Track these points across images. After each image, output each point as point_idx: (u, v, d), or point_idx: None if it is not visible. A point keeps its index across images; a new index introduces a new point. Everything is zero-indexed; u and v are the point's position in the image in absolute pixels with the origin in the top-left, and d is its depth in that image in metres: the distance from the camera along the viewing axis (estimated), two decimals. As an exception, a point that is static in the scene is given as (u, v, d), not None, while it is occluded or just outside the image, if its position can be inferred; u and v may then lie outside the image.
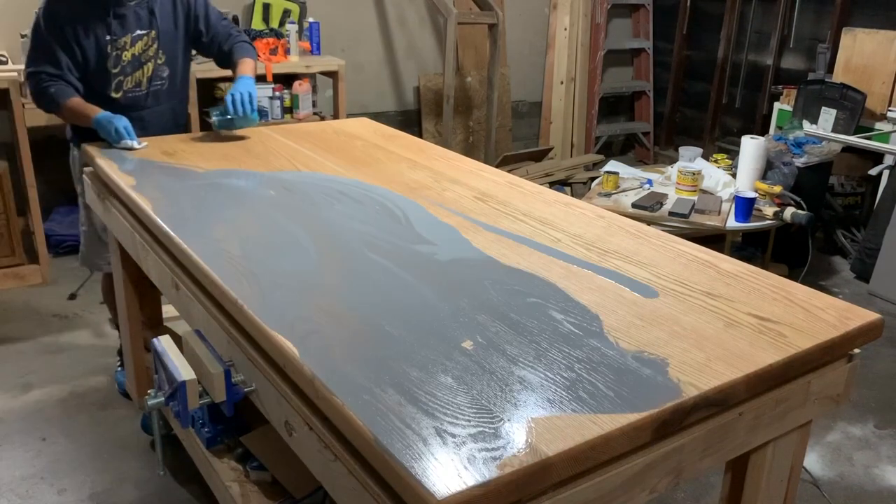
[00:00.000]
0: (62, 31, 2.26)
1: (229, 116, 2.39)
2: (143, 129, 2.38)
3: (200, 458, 1.93)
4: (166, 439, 2.11)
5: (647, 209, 3.25)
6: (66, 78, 2.30)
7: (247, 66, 2.50)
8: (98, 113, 2.28)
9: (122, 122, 2.26)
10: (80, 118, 2.31)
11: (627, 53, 5.88)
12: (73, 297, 3.34)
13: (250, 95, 2.39)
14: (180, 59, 2.49)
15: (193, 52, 2.59)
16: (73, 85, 2.32)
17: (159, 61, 2.42)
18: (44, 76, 2.29)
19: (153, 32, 2.38)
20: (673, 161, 4.33)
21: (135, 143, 2.27)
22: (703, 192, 3.51)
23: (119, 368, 2.70)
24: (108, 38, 2.30)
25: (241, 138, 2.43)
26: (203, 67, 3.67)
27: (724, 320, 1.28)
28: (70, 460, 2.31)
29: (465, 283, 1.40)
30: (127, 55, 2.34)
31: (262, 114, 3.84)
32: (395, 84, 5.00)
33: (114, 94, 2.37)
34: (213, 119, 2.44)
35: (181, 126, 2.62)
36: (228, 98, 2.38)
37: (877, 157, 3.96)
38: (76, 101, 2.30)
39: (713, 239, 3.22)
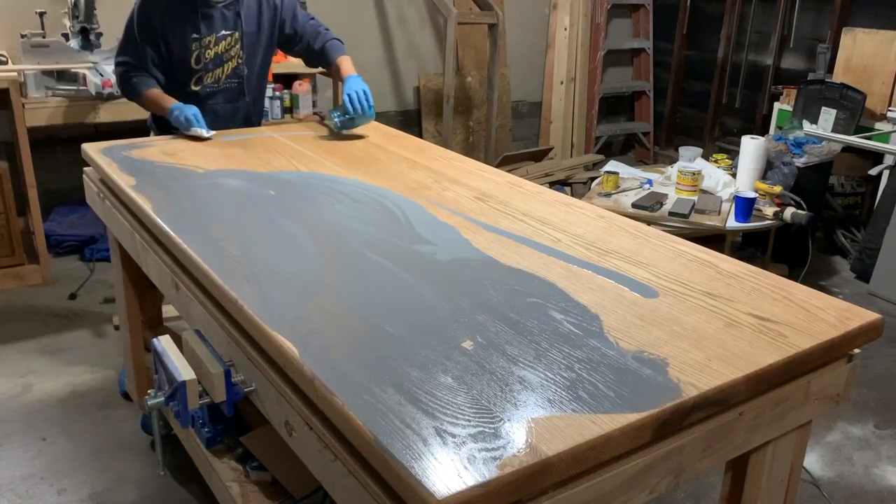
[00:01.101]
0: (152, 28, 2.42)
1: (349, 116, 2.46)
2: (216, 121, 2.52)
3: (200, 458, 1.93)
4: (166, 439, 2.11)
5: (647, 209, 3.25)
6: (149, 70, 2.47)
7: (349, 65, 2.61)
8: (172, 104, 2.42)
9: (191, 111, 2.39)
10: (158, 108, 2.49)
11: (627, 53, 5.88)
12: (73, 297, 3.34)
13: (365, 93, 2.49)
14: (259, 59, 2.61)
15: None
16: (154, 77, 2.48)
17: (239, 61, 2.55)
18: (129, 67, 2.47)
19: (237, 34, 2.51)
20: (673, 161, 4.33)
21: (203, 132, 2.38)
22: (703, 192, 3.51)
23: None
24: (193, 36, 2.44)
25: (242, 139, 2.43)
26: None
27: (724, 320, 1.28)
28: (70, 460, 2.31)
29: (465, 283, 1.40)
30: (210, 53, 2.48)
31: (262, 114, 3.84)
32: (395, 84, 5.00)
33: (193, 87, 2.51)
34: (336, 120, 2.49)
35: (253, 122, 2.72)
36: (346, 98, 2.47)
37: (877, 157, 3.96)
38: (155, 93, 2.46)
39: (713, 239, 3.22)
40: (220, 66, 2.52)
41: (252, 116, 2.71)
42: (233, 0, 2.48)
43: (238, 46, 2.52)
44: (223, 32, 2.48)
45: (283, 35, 2.62)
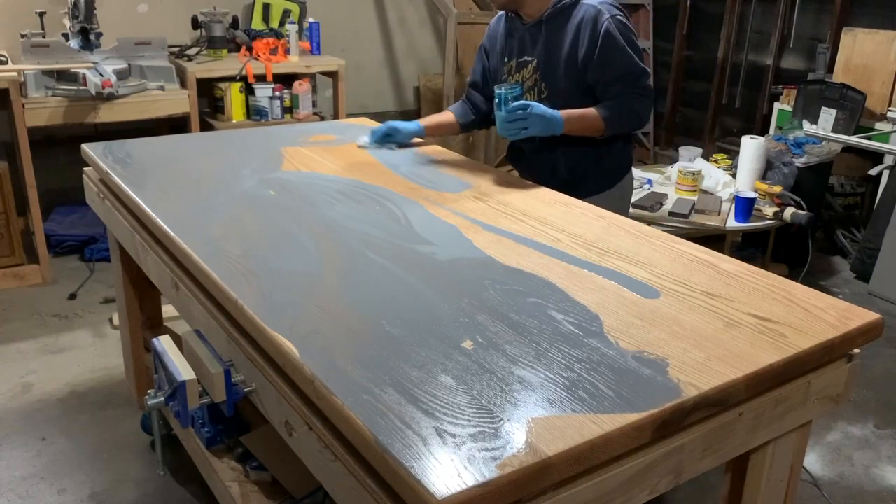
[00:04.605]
0: (483, 46, 2.31)
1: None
2: (527, 169, 2.26)
3: (200, 458, 1.93)
4: (166, 439, 2.11)
5: (647, 209, 3.25)
6: (470, 96, 2.40)
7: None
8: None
9: (381, 127, 2.32)
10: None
11: (627, 53, 5.87)
12: (73, 297, 3.34)
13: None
14: (569, 97, 2.05)
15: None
16: (471, 102, 2.39)
17: (542, 95, 2.09)
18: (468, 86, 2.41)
19: (535, 61, 2.10)
20: (673, 161, 4.32)
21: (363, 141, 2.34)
22: (703, 192, 3.51)
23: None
24: (505, 59, 2.19)
25: (242, 139, 2.43)
26: (202, 67, 3.67)
27: (724, 320, 1.28)
28: (70, 460, 2.31)
29: (465, 283, 1.40)
30: (511, 81, 2.16)
31: (262, 113, 3.84)
32: (395, 84, 5.00)
33: None
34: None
35: (562, 180, 2.13)
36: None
37: (877, 157, 3.96)
38: (432, 118, 2.43)
39: (713, 239, 3.22)
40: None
41: (561, 170, 2.15)
42: (540, 18, 2.06)
43: (537, 77, 2.07)
44: (525, 58, 2.10)
45: (583, 74, 2.03)
